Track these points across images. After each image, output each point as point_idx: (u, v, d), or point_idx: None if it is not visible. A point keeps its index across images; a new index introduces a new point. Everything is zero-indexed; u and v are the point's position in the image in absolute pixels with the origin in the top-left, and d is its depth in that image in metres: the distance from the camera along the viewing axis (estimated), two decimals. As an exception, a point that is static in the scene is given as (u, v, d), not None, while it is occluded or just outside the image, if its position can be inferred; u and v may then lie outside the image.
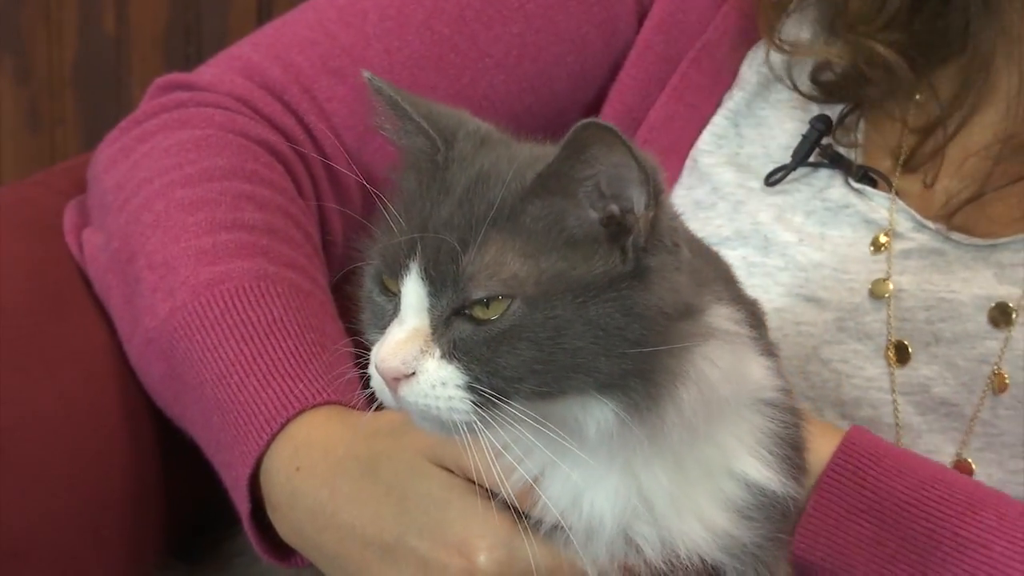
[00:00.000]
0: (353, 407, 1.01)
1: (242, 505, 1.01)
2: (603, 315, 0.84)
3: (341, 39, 1.19)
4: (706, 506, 0.91)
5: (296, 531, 0.99)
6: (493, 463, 0.87)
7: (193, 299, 1.05)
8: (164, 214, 1.10)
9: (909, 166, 1.19)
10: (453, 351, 0.84)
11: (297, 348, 1.03)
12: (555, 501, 0.89)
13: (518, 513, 0.90)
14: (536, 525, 0.90)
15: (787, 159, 1.19)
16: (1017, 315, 1.14)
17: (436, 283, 0.84)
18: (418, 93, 1.17)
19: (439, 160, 0.88)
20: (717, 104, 1.24)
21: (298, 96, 1.18)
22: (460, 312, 0.84)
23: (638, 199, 0.84)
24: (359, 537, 0.95)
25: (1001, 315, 1.14)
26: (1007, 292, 1.14)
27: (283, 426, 1.00)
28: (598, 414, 0.85)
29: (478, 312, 0.84)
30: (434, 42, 1.20)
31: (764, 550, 0.94)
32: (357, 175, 1.15)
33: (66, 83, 1.97)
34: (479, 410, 0.84)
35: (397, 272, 0.86)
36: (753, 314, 0.94)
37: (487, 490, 0.92)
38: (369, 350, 0.88)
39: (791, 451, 0.95)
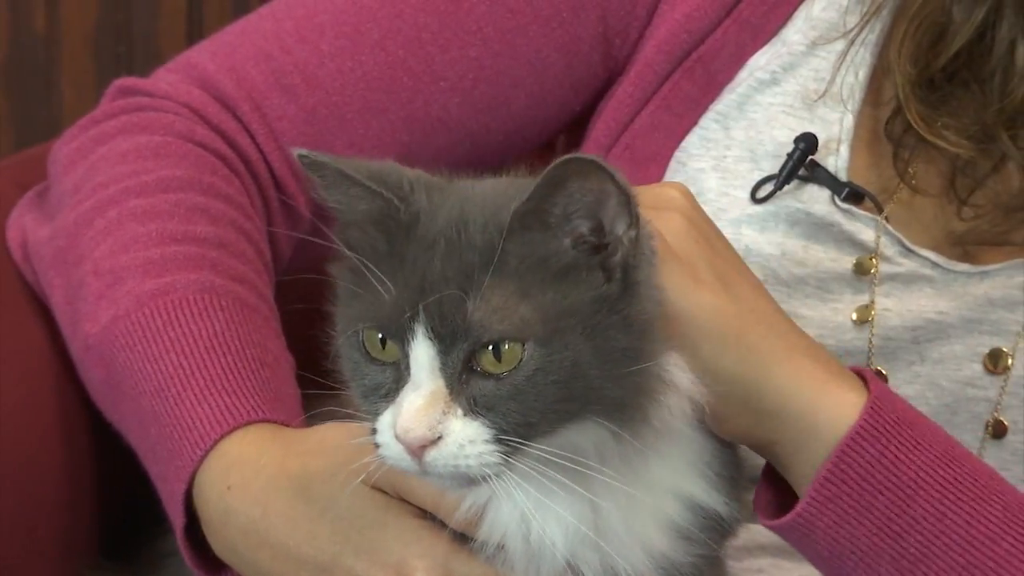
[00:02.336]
0: (289, 425, 1.01)
1: (176, 519, 1.01)
2: (609, 338, 0.84)
3: (296, 55, 1.18)
4: (650, 528, 0.91)
5: (230, 548, 0.99)
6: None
7: (136, 309, 1.05)
8: (116, 222, 1.10)
9: (949, 197, 1.15)
10: (475, 407, 0.83)
11: (236, 364, 1.02)
12: (501, 524, 0.89)
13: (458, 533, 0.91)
14: (478, 546, 0.90)
15: (773, 168, 1.17)
16: (1013, 359, 1.13)
17: (445, 340, 0.83)
18: (369, 115, 1.18)
19: (403, 218, 0.86)
20: (703, 114, 1.22)
21: (249, 113, 1.17)
22: (472, 368, 0.83)
23: (622, 222, 0.85)
24: (294, 557, 0.95)
25: (993, 360, 1.13)
26: (998, 317, 1.14)
27: (216, 443, 0.99)
28: (593, 435, 0.86)
29: (489, 366, 0.83)
30: (388, 64, 1.19)
31: (698, 570, 0.94)
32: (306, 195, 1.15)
33: (-4, 81, 1.97)
34: (508, 459, 0.84)
35: (401, 336, 0.84)
36: None
37: (423, 509, 0.92)
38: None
39: (733, 470, 0.95)
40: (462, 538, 0.91)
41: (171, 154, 1.14)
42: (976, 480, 0.98)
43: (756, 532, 1.05)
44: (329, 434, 0.97)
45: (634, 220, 0.85)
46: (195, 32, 1.94)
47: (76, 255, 1.11)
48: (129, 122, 1.17)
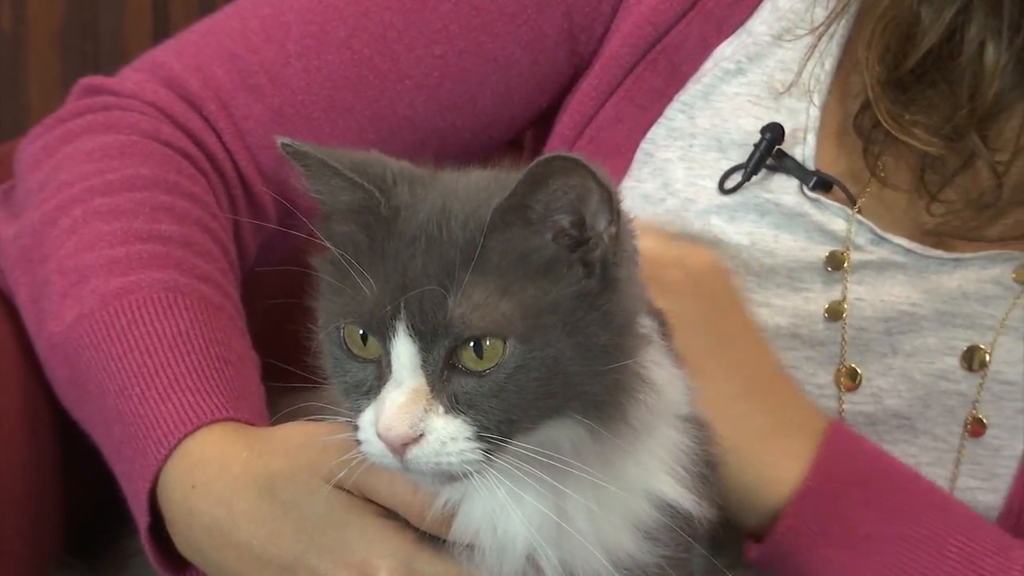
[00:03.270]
0: (254, 424, 1.01)
1: (141, 519, 1.01)
2: (589, 335, 0.84)
3: (262, 54, 1.18)
4: (618, 527, 0.91)
5: (194, 548, 0.99)
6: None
7: (101, 308, 1.05)
8: (81, 220, 1.10)
9: (921, 191, 1.15)
10: (456, 405, 0.83)
11: (200, 362, 1.02)
12: (473, 522, 0.89)
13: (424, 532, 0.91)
14: (445, 544, 0.90)
15: (741, 158, 1.17)
16: (991, 356, 1.13)
17: (426, 337, 0.83)
18: (335, 114, 1.19)
19: (383, 211, 0.86)
20: (668, 105, 1.22)
21: (216, 112, 1.17)
22: (454, 365, 0.83)
23: (602, 218, 0.85)
24: (258, 556, 0.95)
25: (969, 358, 1.13)
26: (971, 310, 1.14)
27: (180, 442, 0.99)
28: (570, 432, 0.86)
29: (470, 363, 0.83)
30: (354, 63, 1.19)
31: (664, 571, 0.93)
32: (273, 195, 1.15)
33: (-38, 80, 1.95)
34: (489, 456, 0.84)
35: (382, 333, 0.84)
36: (663, 323, 0.94)
37: (386, 508, 0.92)
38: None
39: (706, 469, 0.95)
40: (430, 537, 0.91)
41: (137, 153, 1.14)
42: (932, 535, 1.01)
43: None
44: (294, 433, 0.97)
45: (615, 217, 0.85)
46: (161, 31, 1.94)
47: (41, 253, 1.10)
48: (95, 121, 1.17)
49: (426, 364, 0.84)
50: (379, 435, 0.84)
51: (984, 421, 1.14)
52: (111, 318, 1.05)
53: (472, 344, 0.83)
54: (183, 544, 1.00)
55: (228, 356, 1.05)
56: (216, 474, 0.98)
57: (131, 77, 1.20)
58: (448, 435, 0.83)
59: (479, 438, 0.84)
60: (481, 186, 0.88)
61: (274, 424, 1.02)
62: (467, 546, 0.90)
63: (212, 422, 1.00)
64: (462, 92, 1.23)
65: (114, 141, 1.15)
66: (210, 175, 1.17)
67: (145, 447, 1.00)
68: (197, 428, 1.00)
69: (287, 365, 0.96)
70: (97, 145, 1.15)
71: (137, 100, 1.17)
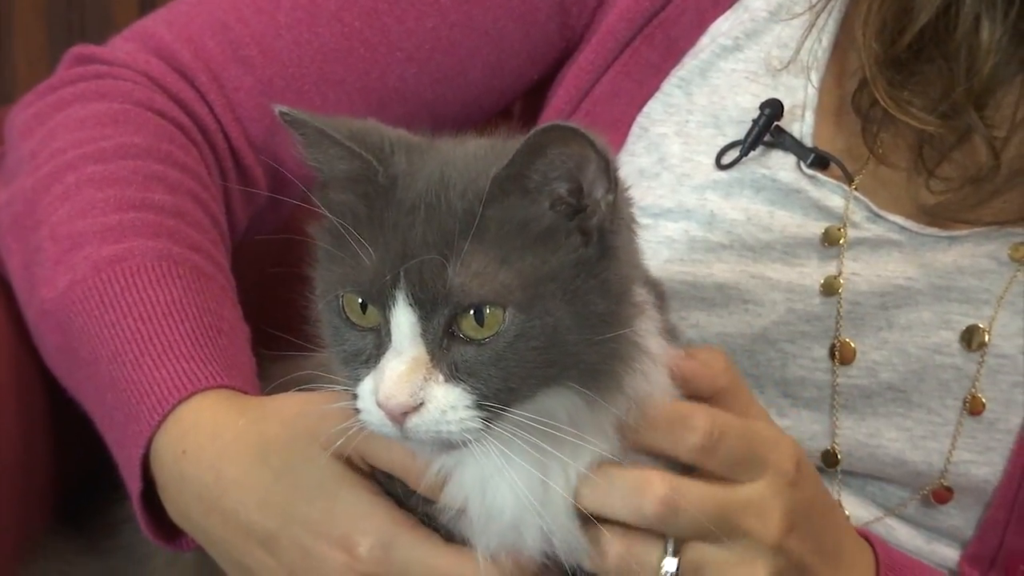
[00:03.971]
0: (245, 392, 1.01)
1: (133, 485, 1.01)
2: (588, 303, 0.84)
3: (252, 26, 1.18)
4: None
5: (183, 514, 1.00)
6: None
7: (93, 275, 1.05)
8: (74, 187, 1.10)
9: (918, 167, 1.15)
10: (456, 373, 0.83)
11: (193, 331, 1.02)
12: (465, 489, 0.90)
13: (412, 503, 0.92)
14: (440, 510, 0.91)
15: (737, 134, 1.18)
16: (990, 335, 1.14)
17: (425, 306, 0.83)
18: (326, 87, 1.19)
19: (381, 180, 0.86)
20: (664, 80, 1.22)
21: (207, 84, 1.17)
22: (453, 334, 0.83)
23: (600, 186, 0.85)
24: (243, 523, 0.95)
25: (968, 337, 1.14)
26: (967, 285, 1.14)
27: (172, 408, 0.99)
28: (566, 400, 0.86)
29: (470, 331, 0.83)
30: (344, 35, 1.19)
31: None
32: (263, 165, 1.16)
33: (-53, 50, 1.95)
34: (488, 424, 0.84)
35: (382, 302, 0.84)
36: (659, 295, 0.94)
37: (378, 481, 0.93)
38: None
39: None
40: (426, 502, 0.92)
41: (130, 121, 1.14)
42: None
43: None
44: (289, 402, 0.98)
45: (613, 185, 0.85)
46: (148, 1, 1.93)
47: (33, 220, 1.10)
48: (87, 89, 1.17)
49: (426, 333, 0.84)
50: (379, 404, 0.84)
51: (983, 400, 1.14)
52: (104, 285, 1.05)
53: (472, 312, 0.83)
54: (174, 510, 1.01)
55: (220, 326, 1.05)
56: (208, 440, 0.98)
57: (122, 47, 1.20)
58: (448, 403, 0.84)
59: (478, 406, 0.84)
60: (479, 155, 0.88)
61: (267, 394, 1.02)
62: (456, 512, 0.91)
63: (206, 389, 1.00)
64: (453, 64, 1.23)
65: (107, 109, 1.15)
66: (201, 146, 1.17)
67: (138, 413, 1.01)
68: (191, 394, 1.00)
69: (278, 332, 0.96)
70: (90, 113, 1.15)
71: (129, 69, 1.17)
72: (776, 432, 0.96)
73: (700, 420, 0.91)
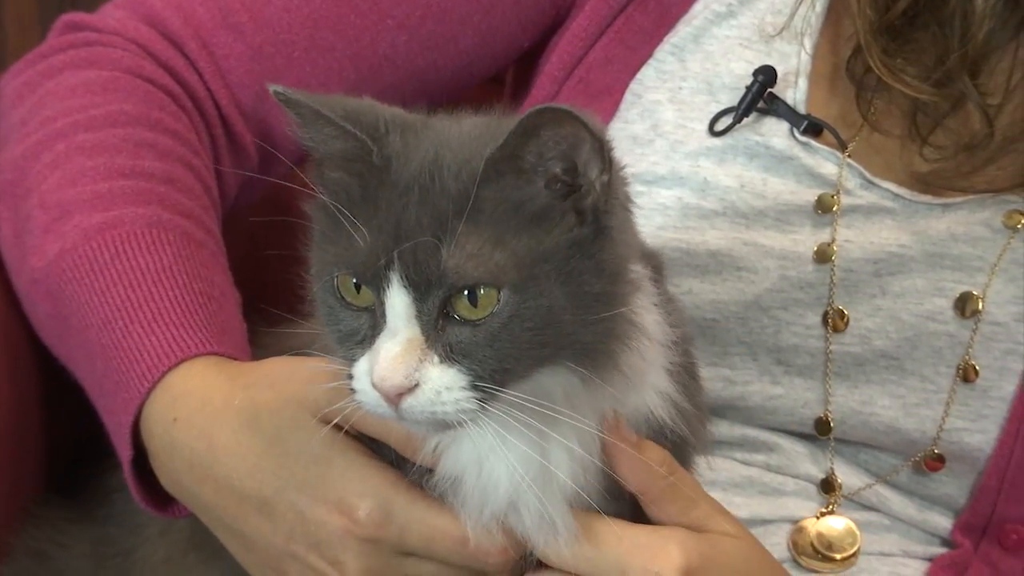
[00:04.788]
0: (235, 358, 1.01)
1: (123, 452, 1.01)
2: (582, 283, 0.84)
3: None
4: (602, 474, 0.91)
5: (175, 481, 0.99)
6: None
7: (84, 242, 1.05)
8: (64, 155, 1.09)
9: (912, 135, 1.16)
10: (451, 354, 0.83)
11: (183, 297, 1.02)
12: (459, 463, 0.90)
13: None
14: (428, 483, 0.91)
15: (731, 101, 1.18)
16: (984, 302, 1.14)
17: (420, 287, 0.83)
18: (316, 53, 1.18)
19: (375, 160, 0.86)
20: (657, 46, 1.22)
21: (197, 51, 1.17)
22: (448, 315, 0.83)
23: (594, 166, 0.85)
24: (237, 490, 0.95)
25: (962, 304, 1.14)
26: (960, 252, 1.14)
27: (162, 376, 0.99)
28: (562, 380, 0.87)
29: (465, 312, 0.83)
30: (335, 2, 1.19)
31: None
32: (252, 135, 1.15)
33: (-63, 19, 1.94)
34: (483, 405, 0.84)
35: (376, 283, 0.84)
36: (656, 267, 0.94)
37: (369, 446, 0.93)
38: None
39: (693, 410, 0.95)
40: (417, 471, 0.92)
41: (120, 89, 1.14)
42: None
43: (706, 467, 1.06)
44: (278, 367, 0.97)
45: (607, 165, 0.85)
46: (138, -30, 1.92)
47: (23, 188, 1.10)
48: (77, 56, 1.16)
49: (420, 314, 0.84)
50: (374, 385, 0.84)
51: (976, 367, 1.14)
52: (94, 252, 1.04)
53: (467, 293, 0.83)
54: (165, 478, 1.01)
55: (211, 292, 1.04)
56: (198, 407, 0.98)
57: (112, 14, 1.20)
58: (443, 384, 0.84)
59: (474, 387, 0.84)
60: (473, 135, 0.87)
61: (258, 360, 1.02)
62: (451, 485, 0.91)
63: (196, 356, 1.00)
64: (444, 32, 1.23)
65: (97, 77, 1.14)
66: (191, 113, 1.17)
67: (128, 380, 1.00)
68: (180, 361, 1.00)
69: (269, 306, 0.97)
70: (80, 81, 1.14)
71: (119, 37, 1.17)
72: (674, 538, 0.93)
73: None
